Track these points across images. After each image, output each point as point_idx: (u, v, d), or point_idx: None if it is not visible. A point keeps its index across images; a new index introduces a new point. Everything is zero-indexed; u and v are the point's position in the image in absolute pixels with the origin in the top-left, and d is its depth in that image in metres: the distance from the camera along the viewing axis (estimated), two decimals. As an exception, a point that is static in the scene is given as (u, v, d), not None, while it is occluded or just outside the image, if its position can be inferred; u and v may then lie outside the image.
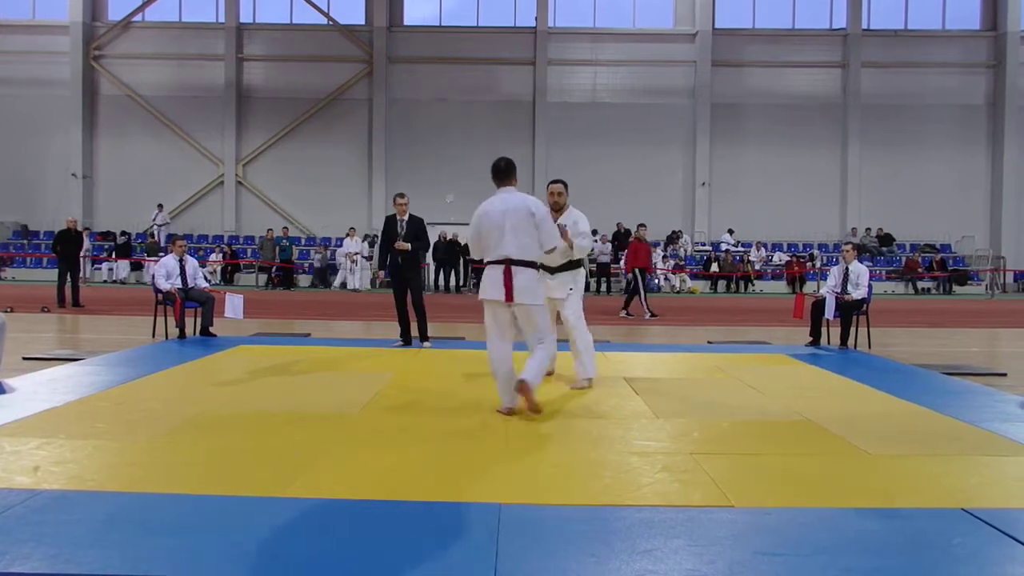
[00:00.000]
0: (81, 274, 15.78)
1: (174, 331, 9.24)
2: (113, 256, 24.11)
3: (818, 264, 24.62)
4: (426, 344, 8.74)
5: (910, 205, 26.29)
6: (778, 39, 26.61)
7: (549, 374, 6.59)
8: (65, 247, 14.20)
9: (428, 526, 3.10)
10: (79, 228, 16.20)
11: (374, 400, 5.66)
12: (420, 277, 9.32)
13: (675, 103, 26.66)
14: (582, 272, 6.50)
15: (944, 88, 26.46)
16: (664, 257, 24.47)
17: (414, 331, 8.91)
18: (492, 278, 5.15)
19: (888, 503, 3.45)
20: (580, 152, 26.06)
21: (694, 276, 24.52)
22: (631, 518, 3.20)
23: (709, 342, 9.97)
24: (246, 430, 4.68)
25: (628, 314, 13.80)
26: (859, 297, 9.09)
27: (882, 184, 26.35)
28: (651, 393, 6.00)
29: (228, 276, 24.19)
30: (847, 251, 9.33)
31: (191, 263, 9.61)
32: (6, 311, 12.07)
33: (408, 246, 8.54)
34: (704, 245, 26.01)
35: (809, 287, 22.23)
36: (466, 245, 22.75)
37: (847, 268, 9.22)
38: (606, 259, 22.61)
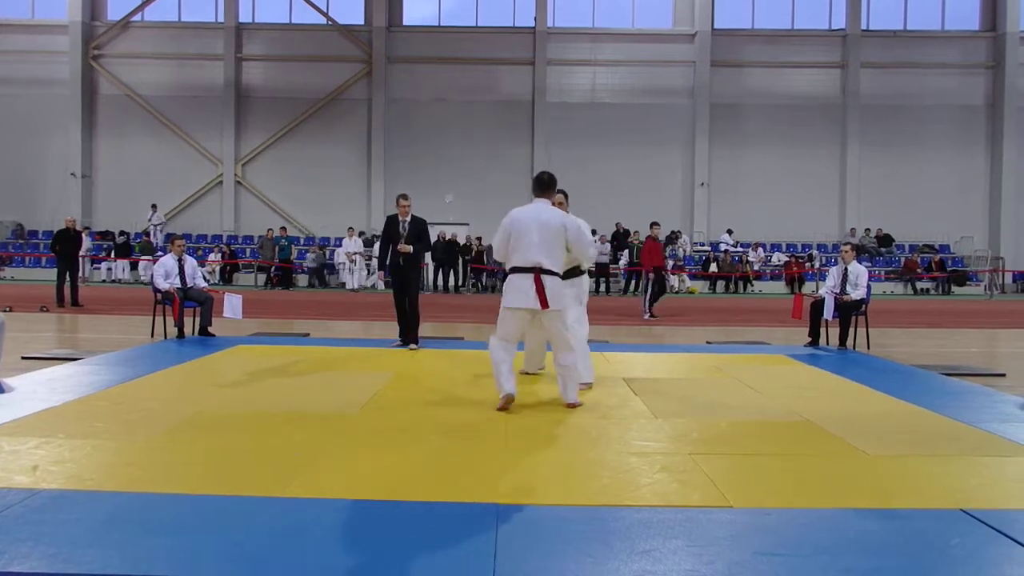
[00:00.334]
0: (80, 274, 15.78)
1: (173, 331, 9.23)
2: (112, 256, 24.09)
3: (817, 264, 24.64)
4: (413, 346, 8.61)
5: (909, 206, 26.31)
6: (777, 39, 26.62)
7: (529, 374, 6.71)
8: (64, 247, 14.19)
9: (427, 526, 3.10)
10: (78, 228, 16.20)
11: (373, 400, 5.66)
12: (419, 279, 9.31)
13: (674, 103, 26.67)
14: (584, 279, 6.56)
15: (943, 89, 26.48)
16: (664, 257, 24.43)
17: (391, 332, 8.85)
18: (521, 287, 5.26)
19: (887, 503, 3.45)
20: (579, 152, 26.07)
21: (693, 276, 24.52)
22: (630, 518, 3.20)
23: (708, 342, 9.97)
24: (245, 430, 4.68)
25: (652, 315, 13.63)
26: (858, 297, 9.09)
27: (881, 185, 26.36)
28: (650, 393, 6.00)
29: (227, 276, 24.18)
30: (846, 251, 9.33)
31: (190, 263, 9.61)
32: (5, 310, 12.05)
33: (410, 248, 8.52)
34: (703, 245, 26.01)
35: (808, 287, 22.23)
36: (465, 245, 22.92)
37: (846, 268, 9.22)
38: (605, 259, 22.60)
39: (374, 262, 22.81)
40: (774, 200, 26.29)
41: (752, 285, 24.54)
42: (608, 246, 22.92)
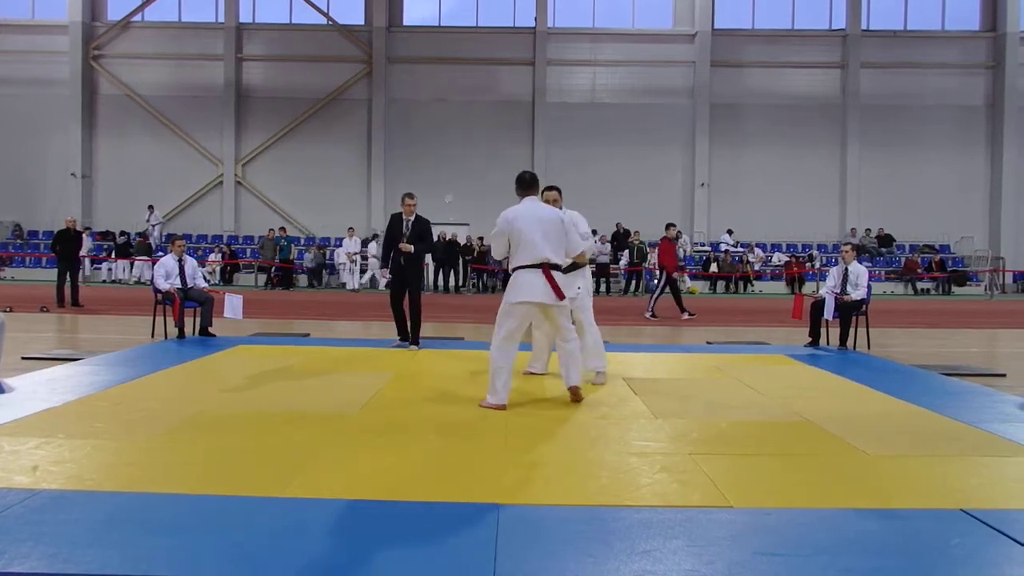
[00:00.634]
0: (81, 274, 15.77)
1: (173, 331, 9.23)
2: (112, 256, 24.09)
3: (817, 265, 24.64)
4: (413, 347, 8.59)
5: (909, 206, 26.31)
6: (777, 39, 26.62)
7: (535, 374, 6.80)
8: (64, 247, 14.19)
9: (427, 526, 3.10)
10: (78, 228, 16.20)
11: (373, 400, 5.66)
12: (421, 278, 9.29)
13: (674, 103, 26.67)
14: (587, 272, 6.67)
15: (943, 89, 26.47)
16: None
17: (391, 332, 8.82)
18: (532, 282, 5.38)
19: (887, 503, 3.45)
20: (579, 152, 26.07)
21: (693, 276, 24.52)
22: (630, 518, 3.20)
23: (708, 342, 9.97)
24: (245, 430, 4.68)
25: (690, 314, 13.55)
26: (858, 298, 9.09)
27: (881, 185, 26.36)
28: (650, 393, 6.00)
29: (227, 276, 24.19)
30: (846, 252, 9.33)
31: (190, 263, 9.61)
32: (5, 311, 12.06)
33: (412, 248, 8.51)
34: (703, 245, 26.01)
35: (808, 288, 22.23)
36: (466, 245, 22.92)
37: (846, 269, 9.22)
38: (605, 259, 22.61)
39: (371, 261, 22.82)
40: (774, 200, 26.28)
41: (752, 285, 24.55)
42: (608, 246, 22.91)
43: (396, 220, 8.64)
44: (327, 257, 24.43)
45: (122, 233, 24.73)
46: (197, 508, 3.26)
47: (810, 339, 9.38)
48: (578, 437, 4.64)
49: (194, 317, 9.43)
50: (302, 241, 26.01)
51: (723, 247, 25.38)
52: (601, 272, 22.68)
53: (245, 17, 27.07)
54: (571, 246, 5.67)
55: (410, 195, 8.73)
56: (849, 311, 9.11)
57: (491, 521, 3.12)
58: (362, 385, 6.21)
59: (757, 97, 26.64)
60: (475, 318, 13.67)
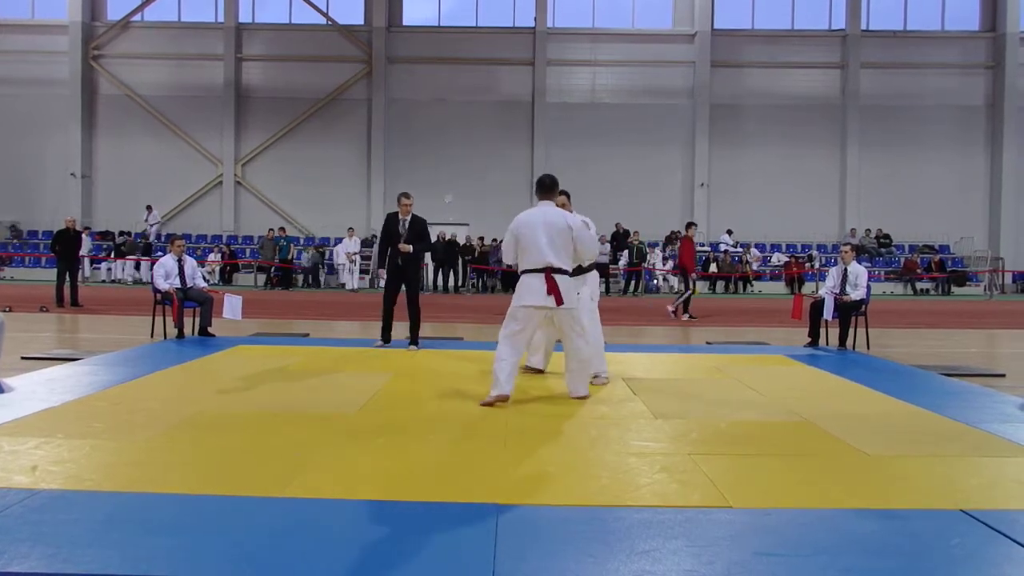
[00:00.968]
0: (81, 274, 15.77)
1: (173, 331, 9.23)
2: (112, 256, 24.09)
3: (817, 265, 24.64)
4: (413, 348, 8.54)
5: (909, 206, 26.32)
6: (777, 40, 26.63)
7: (535, 370, 6.83)
8: (64, 247, 14.20)
9: (426, 526, 3.10)
10: (78, 228, 16.19)
11: (373, 400, 5.66)
12: (419, 278, 9.27)
13: (674, 104, 26.67)
14: (594, 275, 6.69)
15: (943, 89, 26.48)
16: (664, 258, 24.47)
17: (397, 333, 8.81)
18: (533, 286, 5.48)
19: (886, 504, 3.45)
20: (579, 152, 26.07)
21: (693, 276, 24.47)
22: (630, 518, 3.20)
23: (708, 343, 9.97)
24: (245, 430, 4.68)
25: (691, 316, 13.53)
26: (858, 298, 9.09)
27: (881, 185, 26.37)
28: (650, 393, 6.00)
29: (227, 276, 24.18)
30: (846, 252, 9.33)
31: (190, 263, 9.60)
32: (5, 310, 12.05)
33: (411, 248, 8.49)
34: (703, 246, 25.99)
35: (808, 288, 22.24)
36: (466, 245, 22.92)
37: (846, 269, 9.23)
38: (605, 259, 22.58)
39: (373, 261, 22.81)
40: (774, 200, 26.29)
41: (752, 285, 24.55)
42: (608, 246, 22.92)
43: (392, 219, 8.60)
44: (327, 257, 24.43)
45: (121, 233, 24.75)
46: (197, 508, 3.26)
47: (809, 339, 9.38)
48: (578, 437, 4.64)
49: (193, 317, 9.43)
50: (302, 241, 26.01)
51: (723, 247, 25.38)
52: (601, 272, 22.67)
53: (245, 17, 27.08)
54: (582, 250, 5.67)
55: (406, 195, 8.70)
56: (849, 311, 9.11)
57: (491, 521, 3.12)
58: (362, 385, 6.20)
59: (757, 97, 26.65)
60: (475, 318, 13.66)
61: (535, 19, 26.46)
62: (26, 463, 3.81)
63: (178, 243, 9.64)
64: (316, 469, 3.87)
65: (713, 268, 24.61)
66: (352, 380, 6.49)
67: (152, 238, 25.06)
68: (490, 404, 5.36)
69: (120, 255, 23.80)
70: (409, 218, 8.58)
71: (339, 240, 24.23)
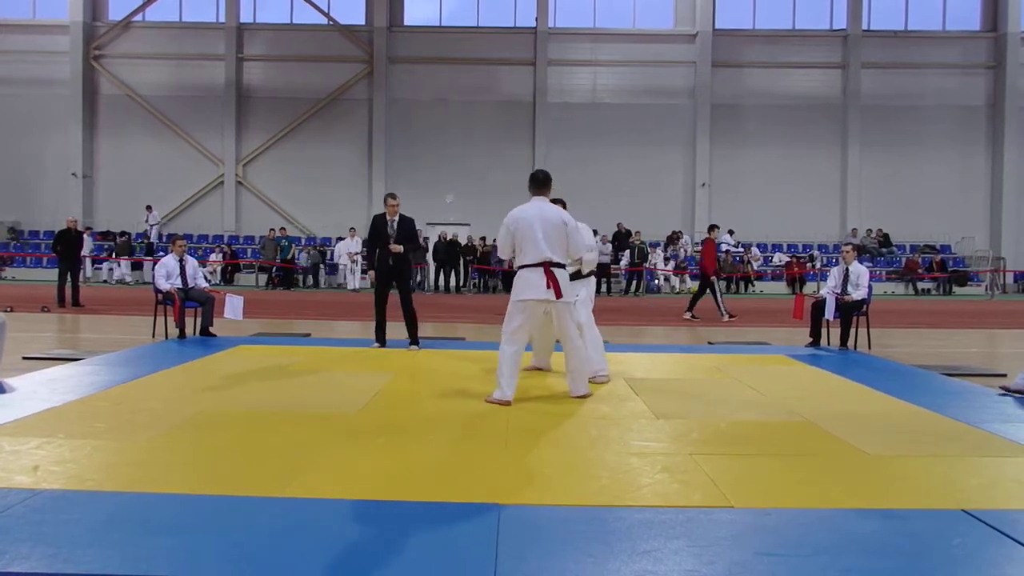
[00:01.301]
0: (82, 274, 15.78)
1: (174, 331, 9.24)
2: (113, 256, 24.10)
3: (818, 265, 24.63)
4: (413, 347, 8.54)
5: (910, 206, 26.30)
6: (778, 40, 26.61)
7: (538, 370, 6.87)
8: (65, 247, 14.21)
9: (427, 526, 3.10)
10: (79, 228, 16.20)
11: (373, 400, 5.66)
12: (410, 279, 9.28)
13: (675, 104, 26.66)
14: (592, 282, 6.77)
15: (944, 89, 26.46)
16: (665, 258, 24.48)
17: (397, 334, 8.80)
18: (532, 280, 5.51)
19: (887, 504, 3.45)
20: (580, 152, 26.07)
21: (694, 277, 24.48)
22: (630, 519, 3.20)
23: (709, 342, 9.97)
24: (245, 430, 4.68)
25: (694, 316, 13.49)
26: (859, 298, 9.09)
27: (882, 185, 26.35)
28: (651, 393, 6.00)
29: (228, 276, 24.19)
30: (847, 252, 9.33)
31: (191, 263, 9.61)
32: (6, 310, 12.06)
33: (401, 248, 8.51)
34: (699, 247, 25.99)
35: (809, 288, 22.22)
36: (467, 245, 22.91)
37: (847, 269, 9.22)
38: (606, 259, 22.59)
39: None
40: (775, 200, 26.27)
41: (753, 285, 24.54)
42: (609, 246, 22.92)
43: (380, 220, 8.60)
44: (326, 257, 24.43)
45: (122, 233, 24.76)
46: (197, 508, 3.26)
47: (811, 339, 9.38)
48: (578, 437, 4.64)
49: (195, 317, 9.43)
50: (303, 241, 26.02)
51: (724, 247, 25.35)
52: (602, 272, 22.68)
53: (246, 17, 27.08)
54: (572, 247, 5.70)
55: (392, 195, 8.72)
56: (850, 311, 9.11)
57: (491, 521, 3.12)
58: (362, 385, 6.21)
59: (758, 97, 26.63)
60: (476, 318, 13.66)
61: (536, 19, 26.44)
62: (27, 463, 3.82)
63: (179, 243, 9.65)
64: (316, 469, 3.87)
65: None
66: (352, 380, 6.50)
67: (152, 238, 25.08)
68: (494, 403, 5.43)
69: (122, 255, 23.80)
70: (397, 218, 8.58)
71: (340, 239, 24.24)
